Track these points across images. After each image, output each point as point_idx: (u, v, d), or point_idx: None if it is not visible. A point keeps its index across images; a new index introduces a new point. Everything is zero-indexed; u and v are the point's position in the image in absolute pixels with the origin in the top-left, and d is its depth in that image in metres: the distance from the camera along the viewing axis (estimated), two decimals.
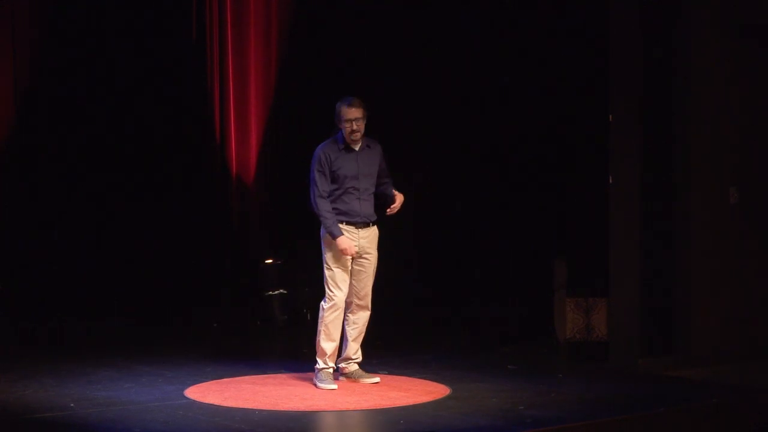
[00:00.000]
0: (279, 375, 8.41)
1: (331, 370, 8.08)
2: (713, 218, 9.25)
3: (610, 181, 9.05)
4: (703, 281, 9.20)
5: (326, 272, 8.05)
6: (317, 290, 10.85)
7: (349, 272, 8.07)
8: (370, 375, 8.24)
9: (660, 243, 9.04)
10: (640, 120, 8.94)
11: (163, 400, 7.68)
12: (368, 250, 8.11)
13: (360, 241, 8.05)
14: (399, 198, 8.19)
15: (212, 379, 8.36)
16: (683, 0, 9.07)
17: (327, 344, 8.03)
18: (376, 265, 8.17)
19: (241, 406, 7.52)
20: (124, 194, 11.21)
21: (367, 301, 8.15)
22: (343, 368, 8.22)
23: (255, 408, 7.48)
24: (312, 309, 11.07)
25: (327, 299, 8.05)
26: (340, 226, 7.97)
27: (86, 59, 11.06)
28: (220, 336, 10.69)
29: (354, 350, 8.20)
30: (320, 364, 8.06)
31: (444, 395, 7.90)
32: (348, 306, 8.14)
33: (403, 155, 11.56)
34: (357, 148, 8.07)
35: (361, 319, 8.17)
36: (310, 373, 8.34)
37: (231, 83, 11.40)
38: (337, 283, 8.02)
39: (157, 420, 7.11)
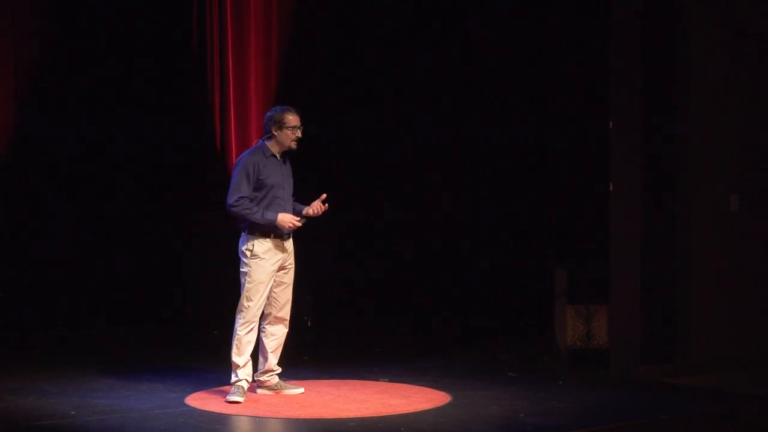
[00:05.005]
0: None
1: (244, 384, 7.85)
2: (714, 226, 9.25)
3: (611, 188, 9.05)
4: (704, 288, 9.19)
5: (247, 284, 7.79)
6: (318, 297, 10.89)
7: (269, 286, 7.85)
8: (294, 386, 8.09)
9: (661, 250, 9.03)
10: (640, 127, 8.94)
11: (163, 408, 7.68)
12: (291, 261, 7.96)
13: (284, 254, 7.90)
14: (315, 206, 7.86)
15: (213, 387, 8.36)
16: (683, 7, 9.08)
17: (239, 359, 7.82)
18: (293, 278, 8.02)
19: (241, 414, 7.53)
20: (124, 201, 11.21)
21: (286, 313, 7.98)
22: (264, 381, 8.06)
23: (256, 415, 7.49)
24: (312, 316, 11.09)
25: (241, 313, 7.81)
26: (267, 239, 7.77)
27: (86, 63, 11.06)
28: (220, 343, 10.67)
29: (274, 362, 8.05)
30: (233, 377, 7.87)
31: (444, 403, 7.89)
32: (265, 317, 7.98)
33: (404, 157, 11.63)
34: (280, 158, 7.92)
35: (279, 331, 8.01)
36: (310, 381, 8.36)
37: (231, 92, 11.39)
38: (252, 296, 7.78)
39: (158, 428, 7.11)
